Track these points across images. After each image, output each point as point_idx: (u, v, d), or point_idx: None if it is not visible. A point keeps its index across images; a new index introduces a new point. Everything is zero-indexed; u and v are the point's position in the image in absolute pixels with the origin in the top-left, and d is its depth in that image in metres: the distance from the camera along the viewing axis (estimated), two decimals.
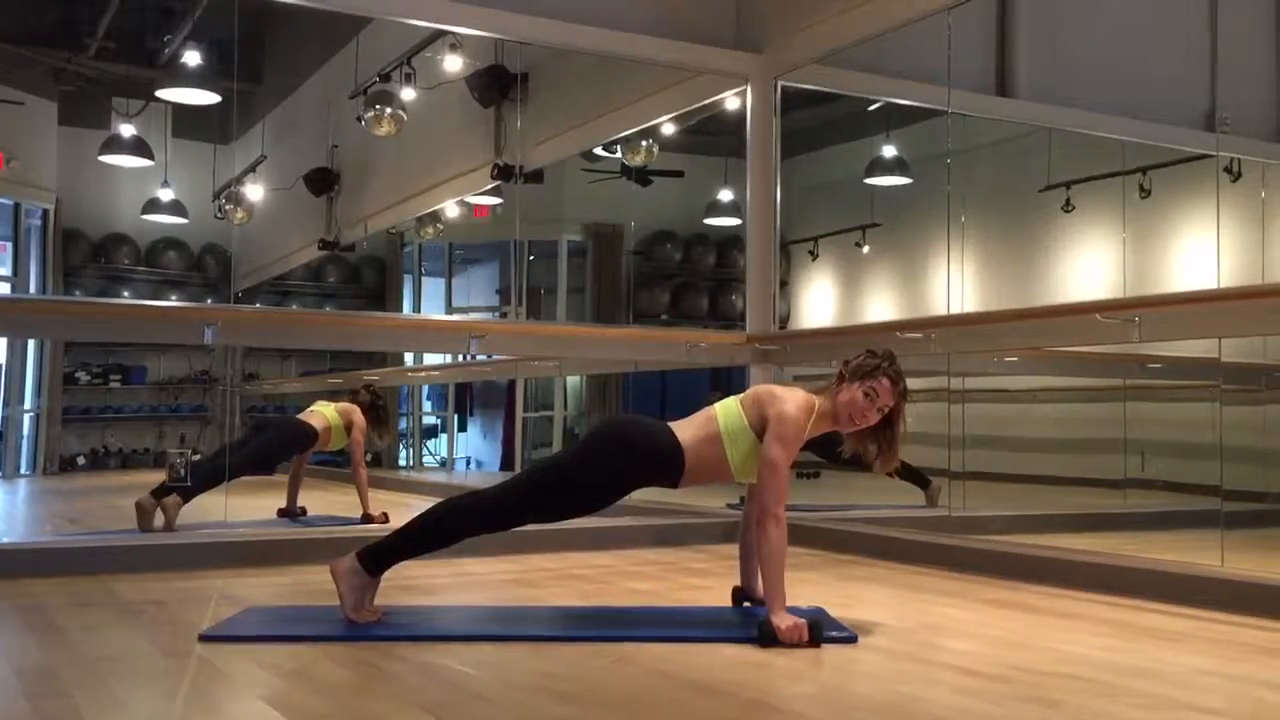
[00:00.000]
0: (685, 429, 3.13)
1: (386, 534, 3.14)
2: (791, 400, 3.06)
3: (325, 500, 6.06)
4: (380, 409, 5.82)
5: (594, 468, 3.09)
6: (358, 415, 5.71)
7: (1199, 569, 3.58)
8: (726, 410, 3.12)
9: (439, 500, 3.18)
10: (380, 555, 3.07)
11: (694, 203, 8.32)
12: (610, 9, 5.37)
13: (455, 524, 3.15)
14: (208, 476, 5.17)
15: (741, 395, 3.17)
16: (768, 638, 2.83)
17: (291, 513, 5.63)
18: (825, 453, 3.41)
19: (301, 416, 5.76)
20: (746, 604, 3.31)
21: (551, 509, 3.15)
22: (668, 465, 3.09)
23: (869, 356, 3.08)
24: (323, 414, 5.71)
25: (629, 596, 3.71)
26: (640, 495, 5.75)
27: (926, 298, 6.43)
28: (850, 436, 3.13)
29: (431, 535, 3.13)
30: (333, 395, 6.09)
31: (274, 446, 5.88)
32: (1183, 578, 3.58)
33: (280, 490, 5.76)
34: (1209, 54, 5.16)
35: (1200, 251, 5.10)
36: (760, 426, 3.05)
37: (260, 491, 5.95)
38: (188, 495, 5.01)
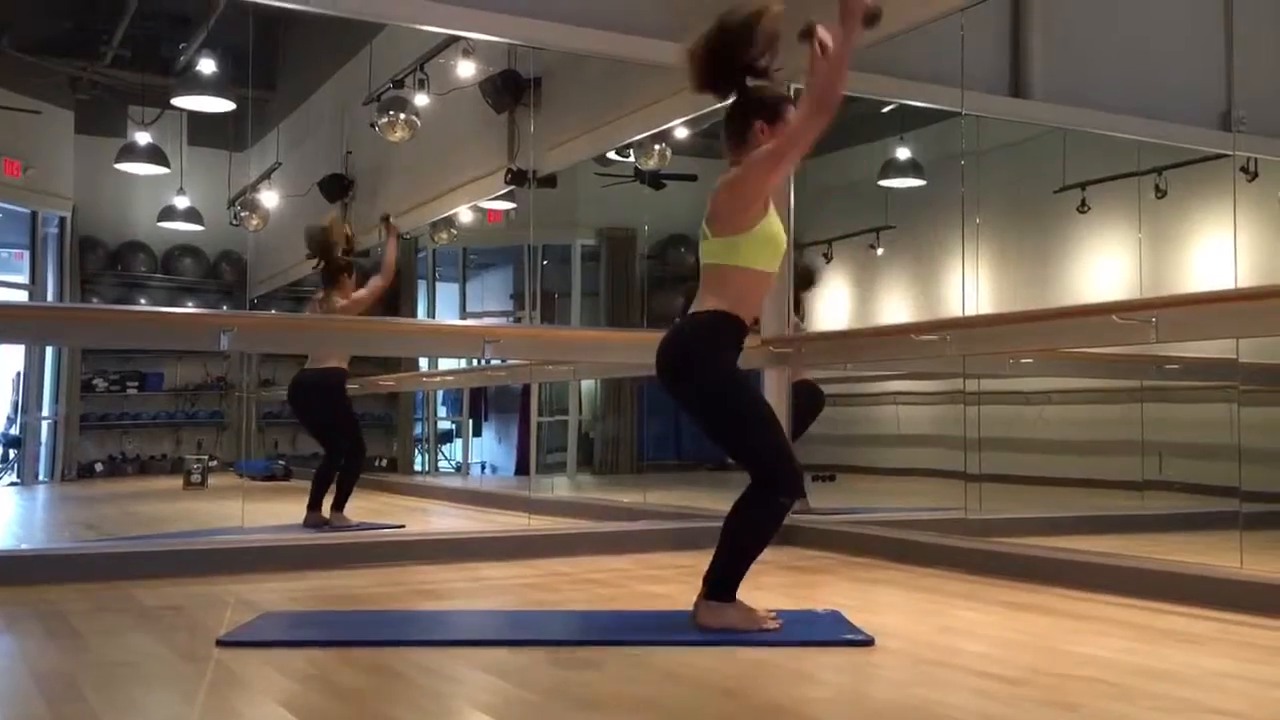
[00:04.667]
0: (706, 298, 3.07)
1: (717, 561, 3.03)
2: (727, 174, 3.04)
3: (349, 507, 6.04)
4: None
5: (733, 390, 3.03)
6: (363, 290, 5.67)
7: (1218, 571, 3.56)
8: (704, 251, 3.09)
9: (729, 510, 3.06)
10: (726, 580, 3.01)
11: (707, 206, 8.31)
12: (623, 13, 5.38)
13: (750, 515, 3.03)
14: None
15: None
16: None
17: (319, 522, 5.52)
18: None
19: (317, 367, 5.64)
20: None
21: (767, 439, 3.04)
22: (735, 333, 3.05)
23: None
24: (325, 355, 5.60)
25: (646, 600, 3.71)
26: (656, 498, 5.75)
27: (941, 300, 6.42)
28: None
29: (757, 543, 3.04)
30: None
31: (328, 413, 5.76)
32: (1201, 579, 3.56)
33: (299, 496, 5.75)
34: (1224, 53, 5.13)
35: (1217, 251, 5.07)
36: (728, 228, 3.03)
37: (277, 497, 5.97)
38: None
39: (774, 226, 3.10)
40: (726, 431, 3.07)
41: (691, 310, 3.12)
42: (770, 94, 3.04)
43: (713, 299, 3.07)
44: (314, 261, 5.68)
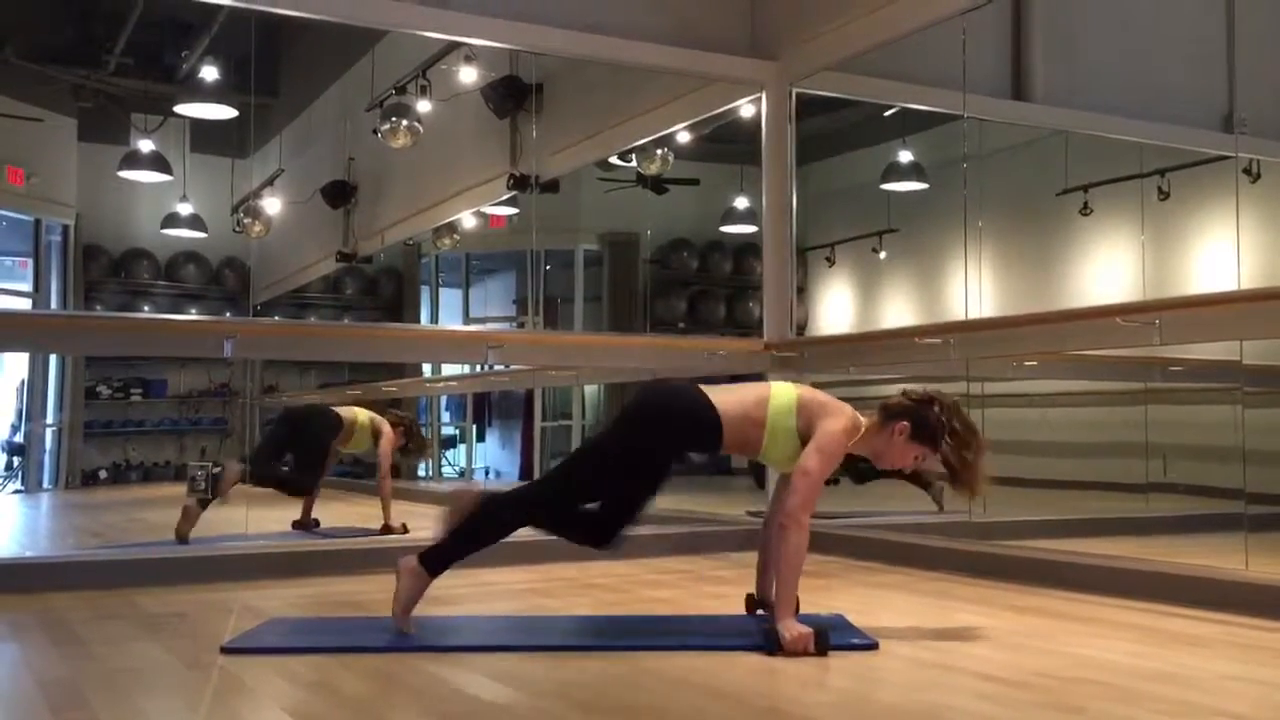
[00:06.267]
0: (728, 397, 3.11)
1: (442, 538, 3.13)
2: (840, 417, 3.06)
3: (343, 511, 6.07)
4: (416, 436, 5.93)
5: (631, 440, 3.10)
6: (387, 427, 5.75)
7: (1223, 573, 3.56)
8: (780, 403, 3.09)
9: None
10: (438, 557, 3.08)
11: (710, 210, 8.32)
12: (625, 19, 5.38)
13: (503, 515, 3.15)
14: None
15: (800, 391, 3.14)
16: (773, 645, 2.82)
17: (306, 524, 5.64)
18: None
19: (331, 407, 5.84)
20: (760, 612, 3.29)
21: (594, 488, 3.13)
22: (704, 437, 3.10)
23: (935, 416, 3.02)
24: (353, 411, 5.75)
25: (648, 606, 3.71)
26: (658, 503, 5.73)
27: (945, 303, 6.41)
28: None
29: (481, 531, 3.14)
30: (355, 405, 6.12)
31: (305, 439, 5.87)
32: (1207, 582, 3.55)
33: (297, 503, 5.77)
34: (1226, 54, 5.13)
35: (1220, 253, 5.07)
36: (806, 434, 3.06)
37: (281, 503, 5.97)
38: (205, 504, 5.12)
39: (789, 456, 3.09)
40: (626, 479, 3.12)
41: (710, 387, 3.16)
42: (934, 421, 3.03)
43: (726, 404, 3.10)
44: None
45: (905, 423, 3.03)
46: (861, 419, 3.09)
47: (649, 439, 3.10)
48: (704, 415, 3.08)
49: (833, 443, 3.02)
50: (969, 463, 3.02)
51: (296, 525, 5.62)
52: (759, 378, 5.48)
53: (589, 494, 3.16)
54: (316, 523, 5.66)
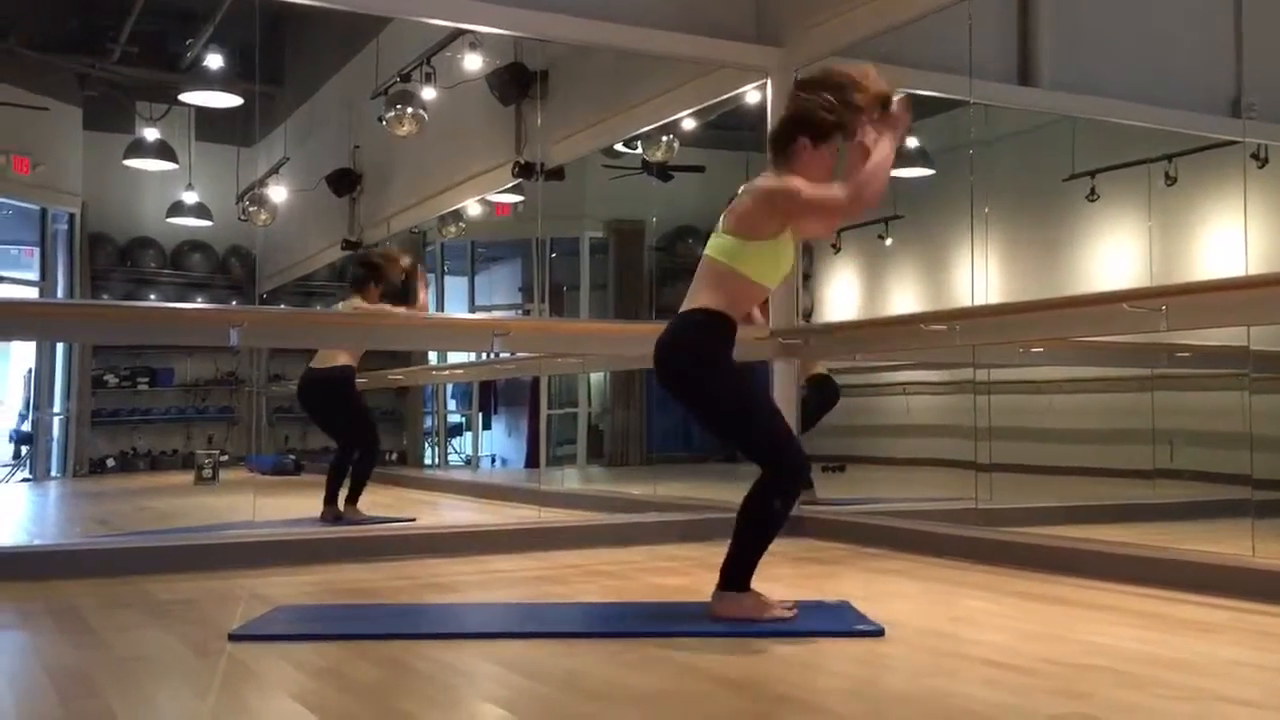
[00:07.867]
0: (700, 294, 3.09)
1: (731, 553, 3.07)
2: (762, 181, 3.06)
3: (362, 500, 6.04)
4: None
5: (733, 385, 3.06)
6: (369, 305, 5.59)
7: (1230, 559, 3.55)
8: (711, 245, 3.10)
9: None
10: (740, 571, 3.05)
11: (715, 197, 8.27)
12: (630, 5, 5.37)
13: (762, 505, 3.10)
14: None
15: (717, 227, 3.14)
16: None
17: (334, 516, 5.53)
18: None
19: (324, 365, 5.67)
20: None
21: (764, 430, 3.08)
22: (731, 330, 3.08)
23: (811, 104, 3.02)
24: (334, 352, 5.62)
25: (655, 592, 3.72)
26: (665, 490, 5.74)
27: (950, 289, 6.40)
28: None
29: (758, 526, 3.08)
30: None
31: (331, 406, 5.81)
32: (1214, 568, 3.55)
33: (309, 490, 5.76)
34: (1234, 39, 5.10)
35: (1228, 239, 5.05)
36: (744, 228, 3.04)
37: (287, 491, 5.99)
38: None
39: (787, 248, 3.11)
40: (730, 427, 3.13)
41: (686, 308, 3.14)
42: (822, 117, 3.03)
43: (706, 296, 3.10)
44: (361, 274, 5.69)
45: (801, 138, 3.03)
46: (775, 177, 3.06)
47: (723, 366, 3.05)
48: (709, 318, 3.06)
49: (779, 186, 3.00)
50: (860, 101, 3.00)
51: (326, 515, 5.51)
52: (764, 364, 5.51)
53: (776, 436, 3.06)
54: (337, 516, 5.54)
